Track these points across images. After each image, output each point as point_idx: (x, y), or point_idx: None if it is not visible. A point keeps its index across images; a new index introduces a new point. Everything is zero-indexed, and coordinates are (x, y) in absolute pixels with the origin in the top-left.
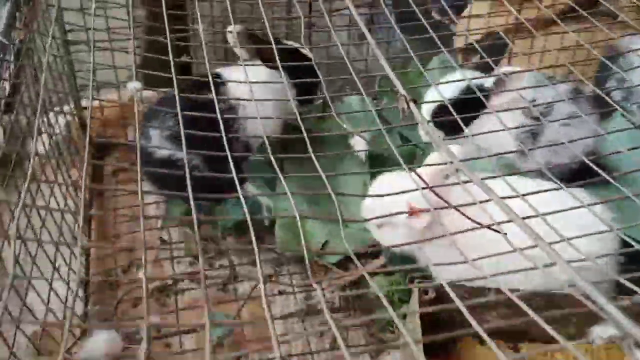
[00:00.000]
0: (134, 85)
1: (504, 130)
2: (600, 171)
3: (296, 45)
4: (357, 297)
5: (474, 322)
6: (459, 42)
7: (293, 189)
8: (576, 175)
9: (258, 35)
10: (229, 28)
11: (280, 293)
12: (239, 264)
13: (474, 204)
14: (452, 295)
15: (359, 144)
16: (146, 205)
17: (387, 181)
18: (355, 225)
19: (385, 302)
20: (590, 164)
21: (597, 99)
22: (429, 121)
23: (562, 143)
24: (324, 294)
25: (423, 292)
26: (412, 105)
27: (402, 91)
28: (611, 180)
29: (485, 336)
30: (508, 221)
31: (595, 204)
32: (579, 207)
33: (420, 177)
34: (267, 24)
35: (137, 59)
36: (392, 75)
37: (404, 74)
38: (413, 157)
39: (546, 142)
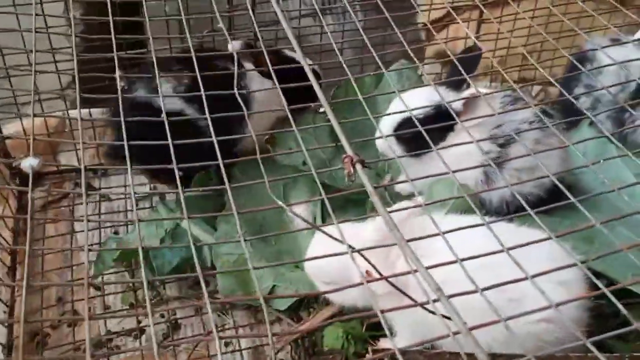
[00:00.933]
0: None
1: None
2: (570, 196)
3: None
4: (310, 349)
5: None
6: (423, 17)
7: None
8: (544, 202)
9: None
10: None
11: (227, 345)
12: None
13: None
14: None
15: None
16: (77, 251)
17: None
18: (303, 267)
19: None
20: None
21: (565, 106)
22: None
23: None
24: (276, 350)
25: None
26: (359, 169)
27: (348, 150)
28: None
29: None
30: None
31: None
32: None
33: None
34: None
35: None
36: (335, 124)
37: (360, 81)
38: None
39: (512, 170)
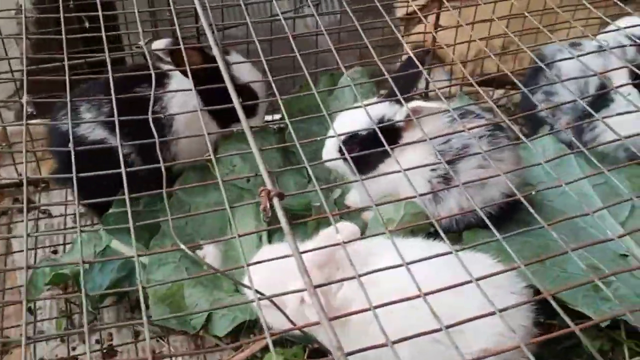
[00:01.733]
0: None
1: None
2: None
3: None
4: None
5: None
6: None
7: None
8: (494, 219)
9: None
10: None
11: None
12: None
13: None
14: None
15: (208, 255)
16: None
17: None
18: (243, 290)
19: None
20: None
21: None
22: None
23: None
24: None
25: None
26: (276, 203)
27: (267, 182)
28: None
29: None
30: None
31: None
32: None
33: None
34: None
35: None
36: (256, 151)
37: (325, 80)
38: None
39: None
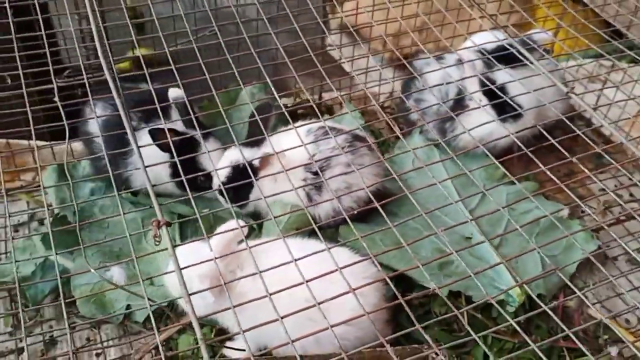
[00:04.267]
0: None
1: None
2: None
3: None
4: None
5: None
6: None
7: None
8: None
9: None
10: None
11: (97, 355)
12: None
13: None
14: None
15: (115, 274)
16: None
17: (187, 252)
18: (157, 282)
19: None
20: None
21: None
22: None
23: None
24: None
25: None
26: (164, 232)
27: (158, 214)
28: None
29: None
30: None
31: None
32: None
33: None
34: None
35: None
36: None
37: (225, 95)
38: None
39: (330, 192)
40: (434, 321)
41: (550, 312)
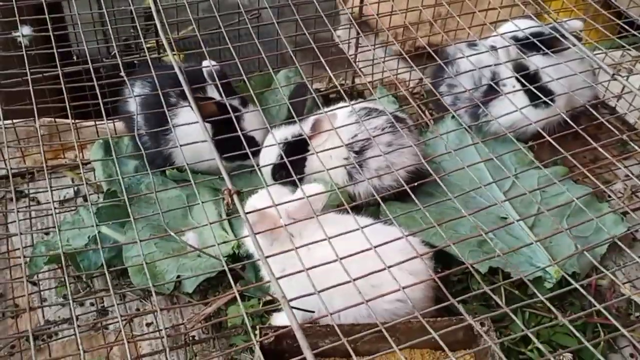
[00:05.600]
0: None
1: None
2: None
3: None
4: (217, 326)
5: None
6: None
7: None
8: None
9: None
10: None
11: (148, 325)
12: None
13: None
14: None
15: (190, 238)
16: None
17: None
18: (204, 255)
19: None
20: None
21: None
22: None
23: None
24: (187, 328)
25: (263, 335)
26: (235, 199)
27: (228, 183)
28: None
29: None
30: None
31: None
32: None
33: None
34: None
35: None
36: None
37: (260, 78)
38: None
39: (372, 170)
40: (468, 296)
41: (580, 289)
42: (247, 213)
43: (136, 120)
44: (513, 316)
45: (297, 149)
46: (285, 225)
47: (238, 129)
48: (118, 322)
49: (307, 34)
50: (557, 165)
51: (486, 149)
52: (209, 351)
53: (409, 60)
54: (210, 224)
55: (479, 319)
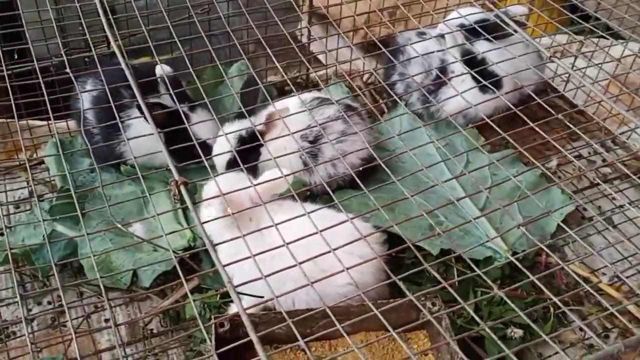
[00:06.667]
0: None
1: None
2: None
3: None
4: (175, 319)
5: None
6: None
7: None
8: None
9: None
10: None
11: (106, 321)
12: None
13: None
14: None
15: (137, 230)
16: None
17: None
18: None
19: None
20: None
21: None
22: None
23: None
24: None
25: (219, 325)
26: (183, 189)
27: (175, 175)
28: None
29: None
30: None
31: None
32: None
33: None
34: None
35: None
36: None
37: (212, 71)
38: None
39: (327, 159)
40: (409, 273)
41: (519, 265)
42: (206, 200)
43: (82, 117)
44: (450, 289)
45: (251, 142)
46: (249, 208)
47: (192, 134)
48: (75, 319)
49: (254, 27)
50: (508, 149)
51: (439, 135)
52: (168, 344)
53: (355, 49)
54: (158, 215)
55: (426, 297)
